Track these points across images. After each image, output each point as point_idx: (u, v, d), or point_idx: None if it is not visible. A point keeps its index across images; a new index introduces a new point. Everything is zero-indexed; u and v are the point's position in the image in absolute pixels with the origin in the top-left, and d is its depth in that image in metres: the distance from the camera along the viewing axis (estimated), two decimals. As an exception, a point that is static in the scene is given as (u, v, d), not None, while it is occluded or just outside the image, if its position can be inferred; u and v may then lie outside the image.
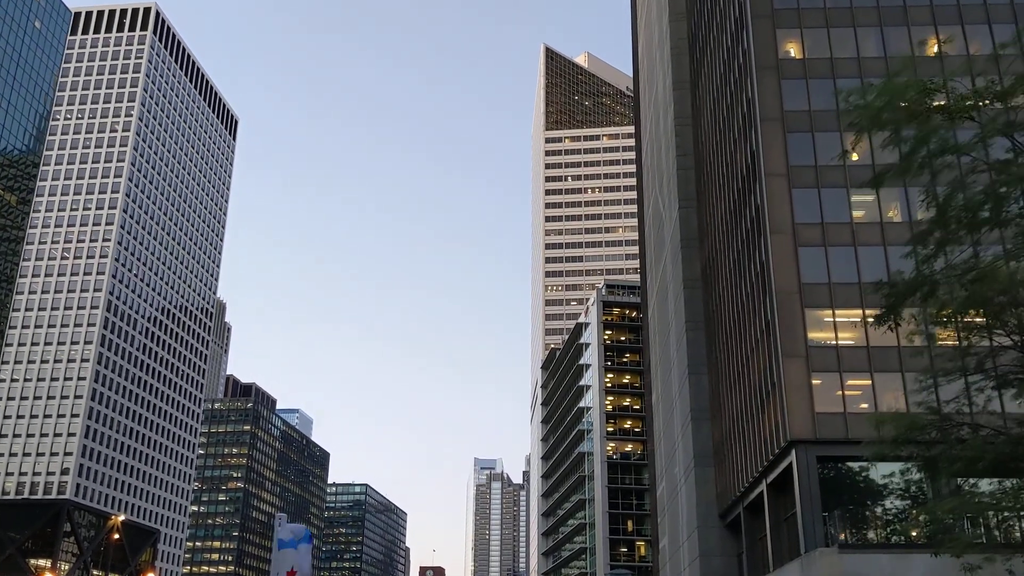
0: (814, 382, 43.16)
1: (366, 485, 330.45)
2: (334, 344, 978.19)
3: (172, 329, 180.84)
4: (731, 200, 55.38)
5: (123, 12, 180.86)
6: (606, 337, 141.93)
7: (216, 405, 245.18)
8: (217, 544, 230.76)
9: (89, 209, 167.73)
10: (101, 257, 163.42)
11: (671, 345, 73.43)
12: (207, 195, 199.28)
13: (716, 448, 61.51)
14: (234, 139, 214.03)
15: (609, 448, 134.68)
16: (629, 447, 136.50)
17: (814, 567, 38.86)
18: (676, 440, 70.98)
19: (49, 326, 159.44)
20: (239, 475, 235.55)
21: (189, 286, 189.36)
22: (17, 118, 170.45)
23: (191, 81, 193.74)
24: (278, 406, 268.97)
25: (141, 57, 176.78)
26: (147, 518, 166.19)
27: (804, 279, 44.62)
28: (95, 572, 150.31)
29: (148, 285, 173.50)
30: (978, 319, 22.38)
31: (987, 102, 19.99)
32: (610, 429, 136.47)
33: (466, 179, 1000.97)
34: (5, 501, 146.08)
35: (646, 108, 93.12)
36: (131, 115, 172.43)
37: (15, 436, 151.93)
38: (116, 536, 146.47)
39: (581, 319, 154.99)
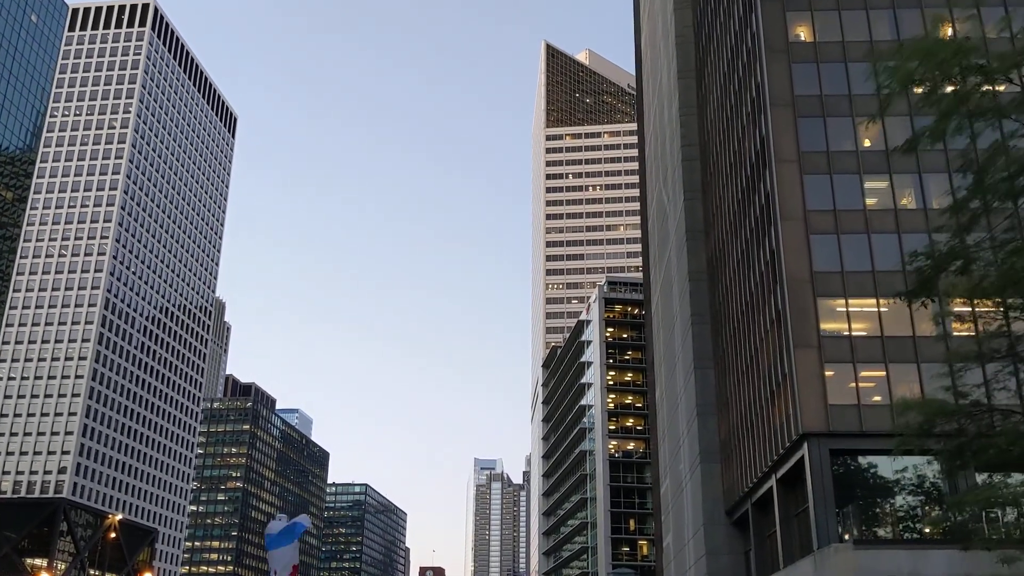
0: (827, 373, 41.86)
1: (366, 485, 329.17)
2: (334, 344, 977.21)
3: (171, 328, 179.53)
4: (739, 189, 54.07)
5: (121, 8, 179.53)
6: (608, 334, 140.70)
7: (215, 404, 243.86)
8: (216, 544, 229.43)
9: (87, 207, 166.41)
10: (99, 255, 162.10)
11: (676, 340, 72.13)
12: (206, 193, 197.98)
13: (723, 444, 60.21)
14: (233, 136, 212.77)
15: (611, 446, 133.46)
16: (631, 445, 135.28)
17: (828, 564, 37.55)
18: (681, 436, 69.69)
19: (47, 324, 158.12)
20: (238, 475, 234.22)
21: (188, 284, 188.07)
22: (14, 114, 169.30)
23: (190, 78, 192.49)
24: (278, 406, 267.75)
25: (139, 54, 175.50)
26: (145, 517, 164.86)
27: (816, 267, 43.34)
28: (92, 571, 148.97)
29: (147, 283, 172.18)
30: (1014, 299, 21.01)
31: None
32: (612, 427, 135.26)
33: (466, 178, 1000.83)
34: (1, 500, 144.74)
35: (649, 100, 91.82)
36: (129, 112, 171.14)
37: (12, 435, 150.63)
38: (113, 535, 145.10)
39: (582, 316, 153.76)
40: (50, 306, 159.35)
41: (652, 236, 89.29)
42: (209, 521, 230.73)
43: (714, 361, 62.68)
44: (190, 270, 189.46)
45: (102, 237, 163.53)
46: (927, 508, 41.86)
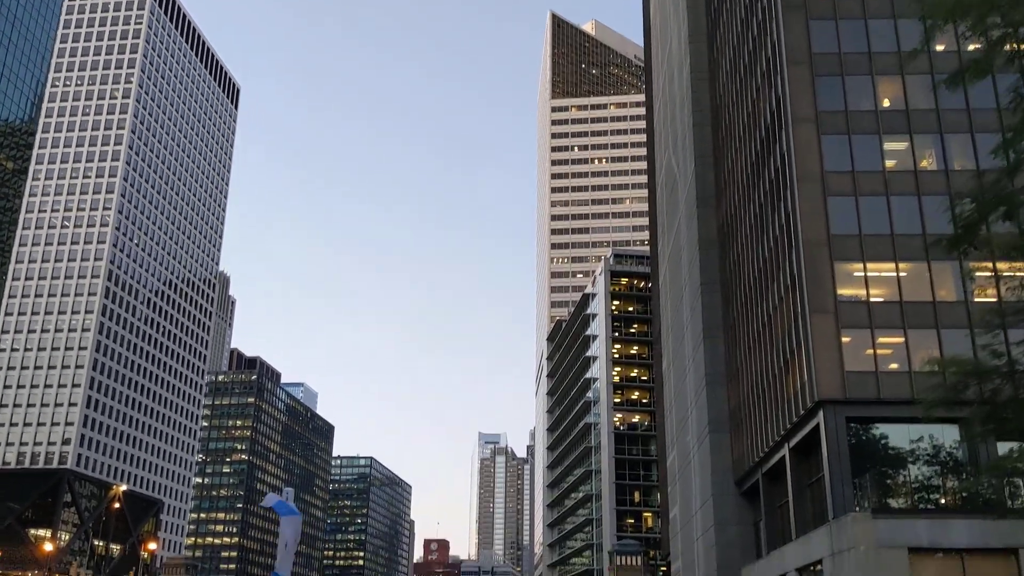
0: (843, 339, 40.68)
1: (371, 458, 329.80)
2: (339, 320, 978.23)
3: (175, 300, 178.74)
4: (752, 152, 52.64)
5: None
6: (614, 308, 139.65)
7: (220, 378, 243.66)
8: (222, 516, 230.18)
9: (89, 177, 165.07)
10: (102, 226, 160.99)
11: (684, 309, 70.99)
12: (208, 164, 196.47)
13: (732, 414, 59.22)
14: (236, 107, 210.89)
15: (616, 419, 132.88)
16: (636, 418, 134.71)
17: (845, 533, 36.56)
18: (689, 407, 68.72)
19: (50, 295, 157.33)
20: (243, 447, 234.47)
21: (192, 257, 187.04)
22: (15, 83, 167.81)
23: (191, 48, 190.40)
24: (282, 380, 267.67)
25: (141, 22, 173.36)
26: (150, 489, 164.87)
27: (833, 230, 42.05)
28: (96, 542, 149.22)
29: (149, 255, 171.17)
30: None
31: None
32: (617, 400, 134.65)
33: (470, 153, 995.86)
34: (5, 471, 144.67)
35: (658, 67, 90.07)
36: (131, 81, 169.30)
37: (15, 406, 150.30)
38: (117, 506, 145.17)
39: (588, 289, 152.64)
40: (53, 277, 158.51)
41: (660, 205, 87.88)
42: (215, 493, 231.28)
43: (724, 330, 61.55)
44: (193, 242, 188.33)
45: (104, 208, 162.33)
46: (945, 478, 40.83)
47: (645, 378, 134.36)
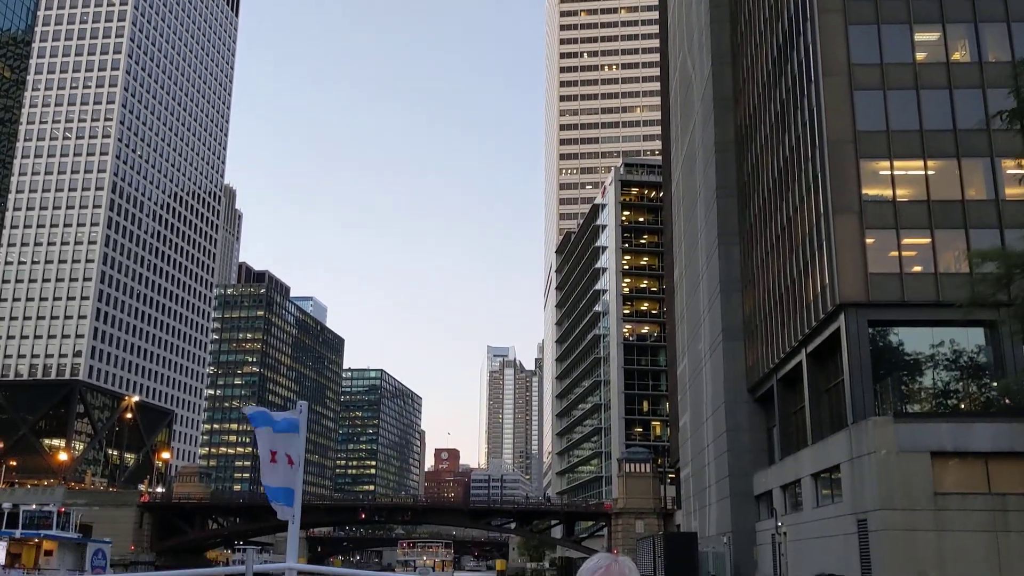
0: (868, 240, 39.14)
1: (381, 370, 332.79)
2: (348, 233, 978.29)
3: (181, 213, 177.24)
4: (774, 47, 50.16)
5: None
6: (624, 218, 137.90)
7: (229, 291, 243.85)
8: (234, 427, 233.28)
9: (89, 87, 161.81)
10: (104, 137, 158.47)
11: (698, 216, 69.29)
12: (211, 74, 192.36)
13: (747, 321, 58.14)
14: (236, 15, 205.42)
15: (625, 330, 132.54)
16: (646, 329, 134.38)
17: (865, 438, 35.70)
18: (702, 315, 67.69)
19: (54, 208, 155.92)
20: (254, 360, 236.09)
21: (196, 169, 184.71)
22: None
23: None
24: (292, 295, 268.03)
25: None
26: (162, 400, 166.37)
27: (860, 126, 40.06)
28: (110, 451, 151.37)
29: (153, 167, 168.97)
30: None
31: None
32: (627, 311, 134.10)
33: (478, 59, 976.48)
34: (17, 382, 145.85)
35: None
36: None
37: (25, 319, 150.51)
38: (129, 416, 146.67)
39: (598, 200, 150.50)
40: (57, 189, 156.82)
41: (674, 109, 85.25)
42: (227, 405, 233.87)
43: (740, 236, 59.97)
44: (198, 154, 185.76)
45: (106, 120, 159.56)
46: (967, 383, 39.81)
47: (655, 289, 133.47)
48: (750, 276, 57.24)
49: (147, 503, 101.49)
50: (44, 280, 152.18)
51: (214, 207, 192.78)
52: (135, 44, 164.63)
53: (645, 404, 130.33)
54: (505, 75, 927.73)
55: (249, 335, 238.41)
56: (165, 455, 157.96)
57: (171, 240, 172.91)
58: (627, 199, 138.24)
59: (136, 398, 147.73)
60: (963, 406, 39.70)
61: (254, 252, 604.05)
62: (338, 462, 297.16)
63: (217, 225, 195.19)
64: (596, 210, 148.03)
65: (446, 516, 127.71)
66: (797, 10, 44.93)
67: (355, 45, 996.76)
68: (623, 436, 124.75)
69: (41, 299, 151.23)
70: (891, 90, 40.46)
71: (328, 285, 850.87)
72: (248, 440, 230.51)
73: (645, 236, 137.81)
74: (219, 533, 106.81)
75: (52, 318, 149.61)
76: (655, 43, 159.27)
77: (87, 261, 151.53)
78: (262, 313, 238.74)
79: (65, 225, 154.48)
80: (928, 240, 39.15)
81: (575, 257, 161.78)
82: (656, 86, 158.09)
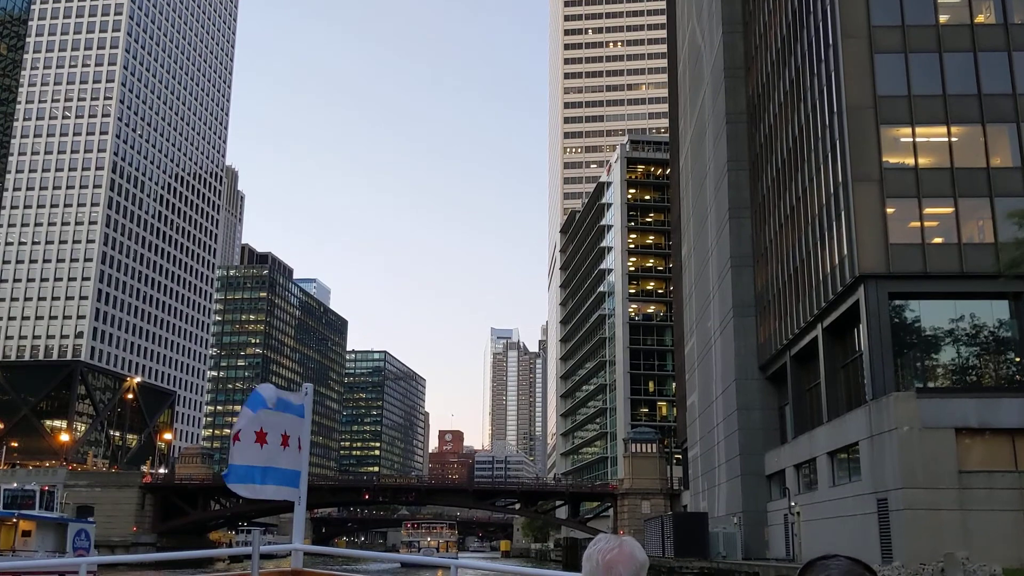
0: (888, 210, 37.64)
1: (385, 352, 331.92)
2: (351, 215, 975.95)
3: (182, 193, 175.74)
4: (789, 12, 48.45)
5: None
6: (629, 196, 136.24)
7: (231, 272, 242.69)
8: (238, 408, 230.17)
9: (88, 66, 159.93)
10: (103, 116, 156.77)
11: (708, 190, 67.69)
12: (211, 53, 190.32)
13: (758, 297, 56.69)
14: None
15: (631, 310, 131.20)
16: (652, 308, 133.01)
17: (886, 414, 34.33)
18: (711, 292, 66.22)
19: (54, 188, 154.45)
20: (257, 341, 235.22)
21: (197, 149, 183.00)
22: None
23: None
24: (295, 276, 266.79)
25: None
26: (164, 381, 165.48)
27: (880, 91, 38.46)
28: (112, 432, 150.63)
29: (154, 147, 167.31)
30: None
31: None
32: (632, 291, 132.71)
33: (486, 31, 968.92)
34: (18, 363, 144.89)
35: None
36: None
37: (26, 300, 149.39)
38: (131, 397, 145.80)
39: (603, 178, 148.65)
40: (57, 169, 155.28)
41: (682, 82, 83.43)
42: (231, 386, 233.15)
43: (751, 209, 58.41)
44: (199, 134, 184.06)
45: (105, 98, 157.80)
46: (991, 357, 38.39)
47: (661, 268, 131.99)
48: (762, 250, 55.77)
49: (149, 484, 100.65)
50: (45, 261, 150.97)
51: (215, 187, 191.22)
52: (134, 22, 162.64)
53: (651, 384, 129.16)
54: (510, 51, 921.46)
55: (252, 316, 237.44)
56: (167, 436, 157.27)
57: (173, 221, 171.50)
58: (633, 176, 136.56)
59: (138, 379, 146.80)
60: (985, 381, 38.36)
61: (257, 235, 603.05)
62: (342, 443, 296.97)
63: (219, 205, 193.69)
64: (601, 188, 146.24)
65: (450, 497, 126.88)
66: (814, -29, 43.23)
67: (361, 18, 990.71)
68: (628, 417, 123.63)
69: (42, 280, 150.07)
70: (913, 53, 38.84)
71: (331, 267, 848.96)
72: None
73: (651, 214, 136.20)
74: (222, 514, 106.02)
75: (53, 299, 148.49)
76: (661, 19, 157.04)
77: (88, 241, 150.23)
78: (265, 294, 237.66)
79: (65, 205, 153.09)
80: (951, 209, 37.65)
81: (580, 236, 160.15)
82: (662, 63, 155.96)
